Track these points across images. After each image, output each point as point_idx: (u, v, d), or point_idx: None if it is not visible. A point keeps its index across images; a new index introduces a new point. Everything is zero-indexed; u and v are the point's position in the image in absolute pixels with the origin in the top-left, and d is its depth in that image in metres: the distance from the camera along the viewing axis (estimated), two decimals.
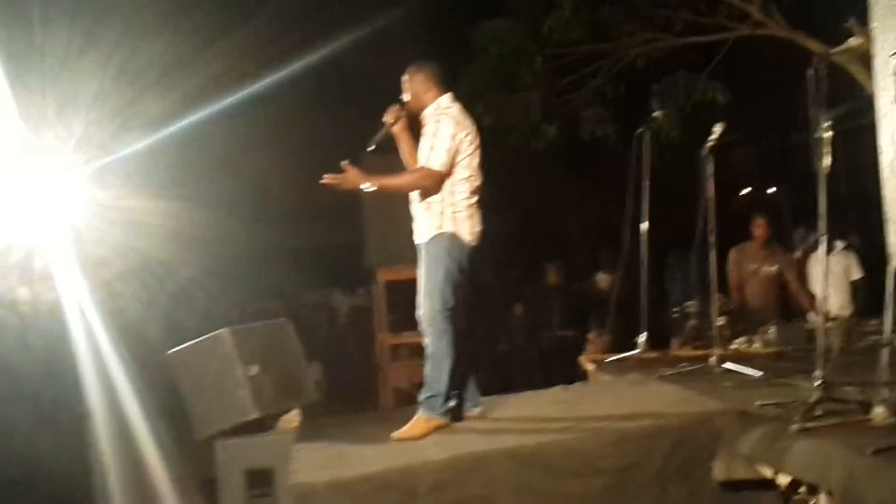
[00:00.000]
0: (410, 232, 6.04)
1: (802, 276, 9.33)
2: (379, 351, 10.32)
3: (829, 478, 4.16)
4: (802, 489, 4.56)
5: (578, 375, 8.42)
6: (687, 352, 8.24)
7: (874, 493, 3.79)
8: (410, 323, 6.34)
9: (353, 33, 10.38)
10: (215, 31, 9.88)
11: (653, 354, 7.96)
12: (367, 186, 5.82)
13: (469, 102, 6.78)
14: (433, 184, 5.81)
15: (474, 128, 6.00)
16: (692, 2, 11.84)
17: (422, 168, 5.81)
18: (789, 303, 9.52)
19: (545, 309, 12.79)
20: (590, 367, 8.14)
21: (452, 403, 5.86)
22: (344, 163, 5.79)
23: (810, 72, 4.90)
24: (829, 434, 4.45)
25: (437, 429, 5.75)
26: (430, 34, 11.51)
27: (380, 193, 6.01)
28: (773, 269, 9.57)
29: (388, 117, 6.10)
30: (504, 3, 12.03)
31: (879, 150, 4.36)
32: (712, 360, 7.10)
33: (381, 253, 9.49)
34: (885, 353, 4.52)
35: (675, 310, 9.87)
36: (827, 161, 4.89)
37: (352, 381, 11.42)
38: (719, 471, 5.03)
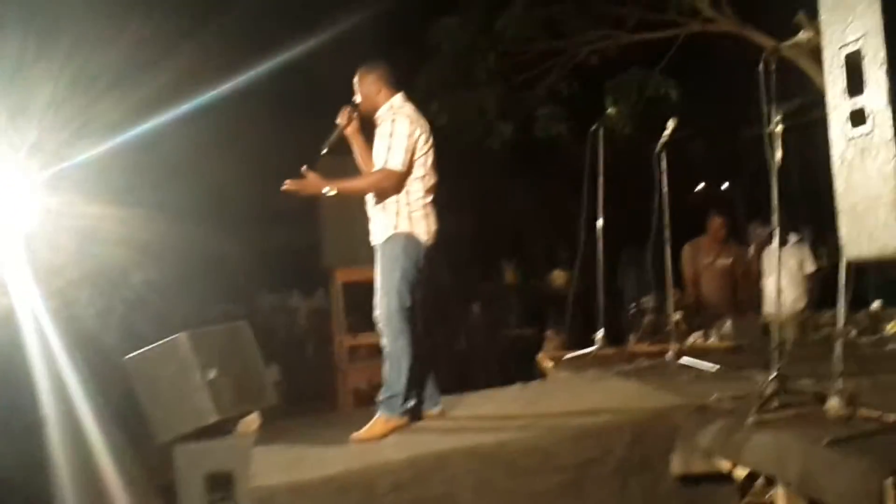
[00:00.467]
0: (367, 233, 6.04)
1: (757, 270, 9.41)
2: (337, 352, 10.30)
3: (785, 470, 4.19)
4: (759, 481, 4.60)
5: (537, 373, 8.44)
6: (644, 347, 8.28)
7: (830, 484, 3.82)
8: (369, 324, 6.34)
9: (308, 37, 10.35)
10: (171, 36, 9.80)
11: (610, 351, 7.99)
12: (328, 191, 5.82)
13: (424, 101, 6.78)
14: (394, 184, 5.81)
15: (428, 127, 6.01)
16: None
17: (382, 169, 5.80)
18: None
19: (503, 307, 12.86)
20: (548, 364, 8.15)
21: (411, 403, 5.86)
22: (304, 168, 5.78)
23: (761, 67, 4.94)
24: (785, 426, 4.48)
25: (397, 429, 5.75)
26: (385, 34, 11.50)
27: (338, 195, 5.99)
28: (728, 261, 9.68)
29: (340, 119, 6.10)
30: (458, 1, 12.03)
31: (830, 143, 4.39)
32: (669, 355, 7.14)
33: (338, 254, 9.47)
34: (838, 345, 4.56)
35: (631, 306, 9.95)
36: (778, 156, 4.94)
37: (311, 383, 11.39)
38: (677, 465, 5.05)
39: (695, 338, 8.42)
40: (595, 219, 8.18)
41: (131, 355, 6.61)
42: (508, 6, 11.66)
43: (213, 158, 11.53)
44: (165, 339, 6.54)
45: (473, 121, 12.03)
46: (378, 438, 5.66)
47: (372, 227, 5.98)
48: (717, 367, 6.52)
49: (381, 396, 5.85)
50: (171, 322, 8.12)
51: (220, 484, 6.19)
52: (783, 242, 8.62)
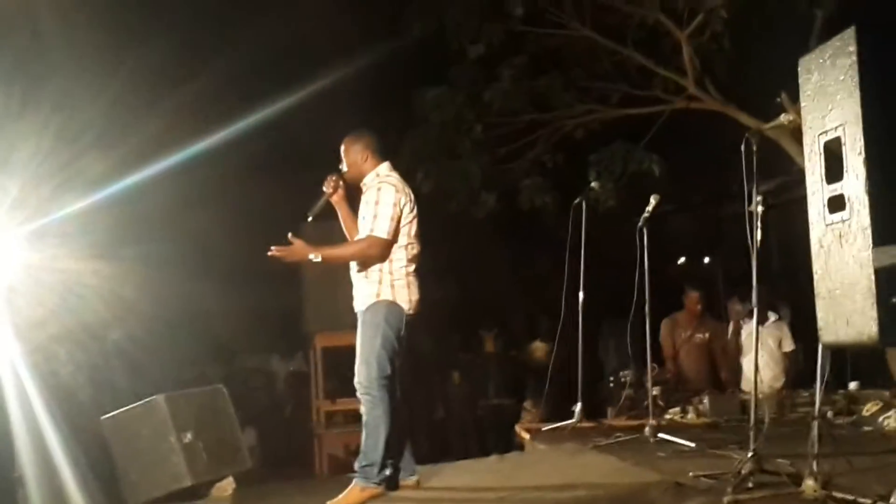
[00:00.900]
0: (349, 298, 6.05)
1: (736, 347, 9.45)
2: (315, 417, 10.26)
3: None
4: None
5: (514, 444, 8.44)
6: (622, 422, 8.30)
7: None
8: (347, 389, 6.33)
9: (294, 97, 10.42)
10: (156, 91, 9.86)
11: (588, 424, 8.01)
12: (314, 258, 5.84)
13: (409, 169, 6.81)
14: (379, 252, 5.83)
15: (413, 196, 6.05)
16: (628, 75, 12.05)
17: (368, 237, 5.83)
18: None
19: (482, 377, 12.83)
20: (525, 435, 8.15)
21: (388, 472, 5.83)
22: (290, 235, 5.81)
23: (742, 147, 5.02)
24: None
25: (372, 498, 5.73)
26: (373, 100, 11.59)
27: (323, 262, 6.00)
28: (705, 336, 9.73)
29: (326, 187, 6.13)
30: (446, 72, 12.15)
31: (810, 226, 4.46)
32: (647, 430, 7.16)
33: (319, 319, 9.48)
34: (815, 426, 4.59)
35: (610, 379, 9.96)
36: (758, 235, 5.00)
37: (287, 447, 11.33)
38: None
39: (673, 414, 8.44)
40: (577, 291, 8.22)
41: (108, 416, 6.60)
42: (496, 78, 11.78)
43: (197, 215, 11.53)
44: (142, 401, 6.53)
45: (458, 190, 12.08)
46: None
47: (355, 293, 6.00)
48: (694, 444, 6.54)
49: (357, 464, 5.83)
50: (151, 379, 8.11)
51: None
52: (762, 321, 8.67)
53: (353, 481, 5.77)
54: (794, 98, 5.26)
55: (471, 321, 13.85)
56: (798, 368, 9.27)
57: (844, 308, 4.20)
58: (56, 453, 6.83)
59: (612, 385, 9.76)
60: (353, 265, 5.98)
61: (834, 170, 4.27)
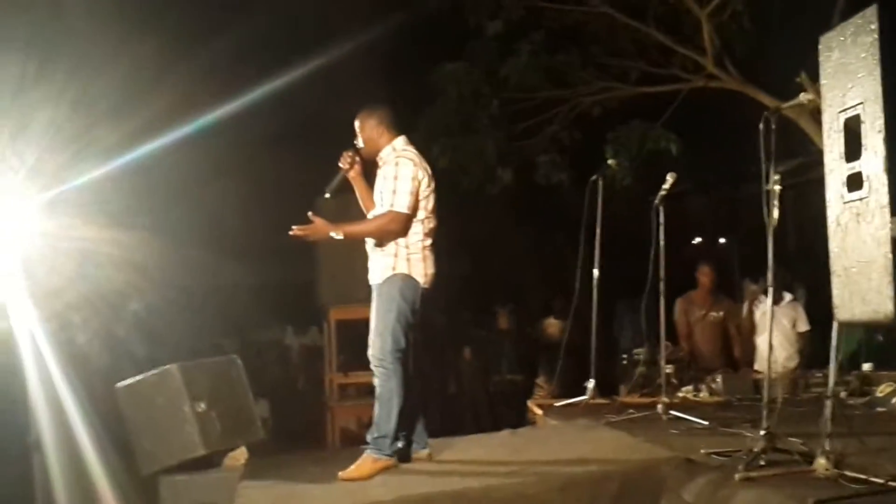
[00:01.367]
0: (363, 271, 6.05)
1: (751, 327, 9.43)
2: (328, 390, 10.29)
3: None
4: None
5: (526, 420, 8.44)
6: (634, 399, 8.29)
7: None
8: (360, 363, 6.34)
9: (314, 71, 10.40)
10: (173, 60, 9.85)
11: (601, 400, 8.01)
12: (335, 235, 5.84)
13: (425, 144, 6.79)
14: (399, 227, 5.82)
15: (430, 170, 6.04)
16: (647, 53, 12.01)
17: (388, 212, 5.82)
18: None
19: (495, 353, 12.83)
20: (538, 411, 8.16)
21: (400, 444, 5.86)
22: (310, 213, 5.80)
23: (761, 125, 4.99)
24: (771, 484, 4.50)
25: (384, 469, 5.74)
26: (390, 74, 11.57)
27: (345, 239, 5.99)
28: (720, 314, 9.70)
29: (343, 163, 6.12)
30: (462, 48, 12.12)
31: (827, 205, 4.44)
32: (659, 407, 7.16)
33: (333, 292, 9.46)
34: (828, 406, 4.59)
35: (623, 356, 9.96)
36: (775, 214, 4.98)
37: (300, 420, 11.36)
38: None
39: (686, 392, 8.44)
40: (592, 268, 8.21)
41: (122, 384, 6.61)
42: (513, 54, 11.74)
43: (213, 187, 11.56)
44: (156, 370, 6.54)
45: (474, 166, 12.07)
46: (365, 478, 5.65)
47: (370, 266, 6.00)
48: (707, 422, 6.54)
49: (369, 436, 5.85)
50: (166, 347, 8.14)
51: None
52: (777, 301, 8.65)
53: (365, 453, 5.80)
54: (814, 78, 5.23)
55: (485, 297, 13.86)
56: (812, 349, 9.25)
57: (860, 286, 4.19)
58: (73, 419, 6.87)
59: (625, 363, 9.75)
60: (370, 239, 5.98)
61: (852, 148, 4.25)
